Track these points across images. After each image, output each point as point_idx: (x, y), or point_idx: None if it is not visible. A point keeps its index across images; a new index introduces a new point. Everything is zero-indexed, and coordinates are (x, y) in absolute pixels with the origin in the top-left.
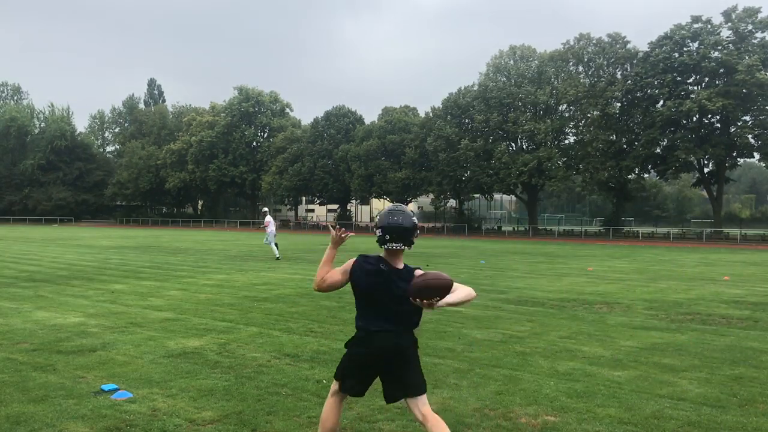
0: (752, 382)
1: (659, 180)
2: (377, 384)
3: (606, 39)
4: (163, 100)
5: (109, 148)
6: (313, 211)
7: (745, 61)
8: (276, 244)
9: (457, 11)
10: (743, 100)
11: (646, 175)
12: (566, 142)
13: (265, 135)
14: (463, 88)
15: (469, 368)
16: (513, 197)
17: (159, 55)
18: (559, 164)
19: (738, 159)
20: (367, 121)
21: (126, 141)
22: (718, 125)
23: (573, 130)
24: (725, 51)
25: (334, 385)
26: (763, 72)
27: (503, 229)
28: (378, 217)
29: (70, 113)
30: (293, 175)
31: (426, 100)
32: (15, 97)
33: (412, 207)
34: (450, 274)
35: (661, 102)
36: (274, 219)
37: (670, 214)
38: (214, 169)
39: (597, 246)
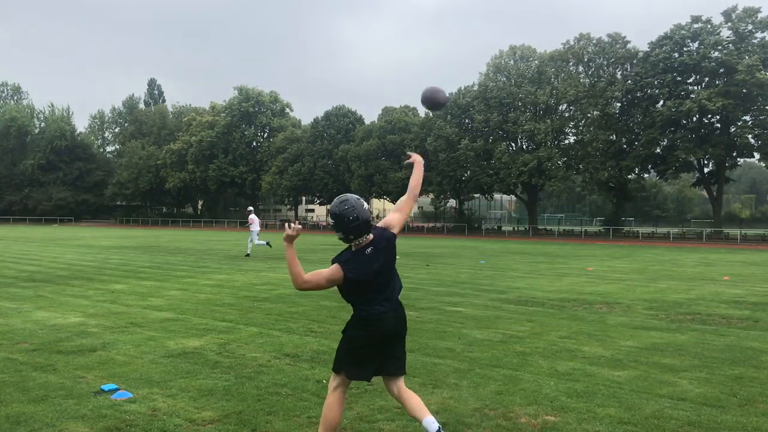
0: (752, 382)
1: (659, 180)
2: (377, 384)
3: (606, 39)
4: (163, 100)
5: (109, 148)
6: (313, 211)
7: (745, 61)
8: (262, 244)
9: (456, 11)
10: (743, 100)
11: (646, 175)
12: (566, 142)
13: (265, 135)
14: (463, 88)
15: (469, 368)
16: (513, 197)
17: (159, 55)
18: (559, 164)
19: (738, 159)
20: (367, 121)
21: (126, 141)
22: (718, 125)
23: (573, 130)
24: (725, 51)
25: (336, 380)
26: (763, 72)
27: (503, 229)
28: (331, 219)
29: (70, 113)
30: (293, 175)
31: None
32: (15, 97)
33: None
34: (450, 273)
35: (661, 102)
36: (261, 218)
37: (670, 214)
38: (214, 169)
39: (597, 246)
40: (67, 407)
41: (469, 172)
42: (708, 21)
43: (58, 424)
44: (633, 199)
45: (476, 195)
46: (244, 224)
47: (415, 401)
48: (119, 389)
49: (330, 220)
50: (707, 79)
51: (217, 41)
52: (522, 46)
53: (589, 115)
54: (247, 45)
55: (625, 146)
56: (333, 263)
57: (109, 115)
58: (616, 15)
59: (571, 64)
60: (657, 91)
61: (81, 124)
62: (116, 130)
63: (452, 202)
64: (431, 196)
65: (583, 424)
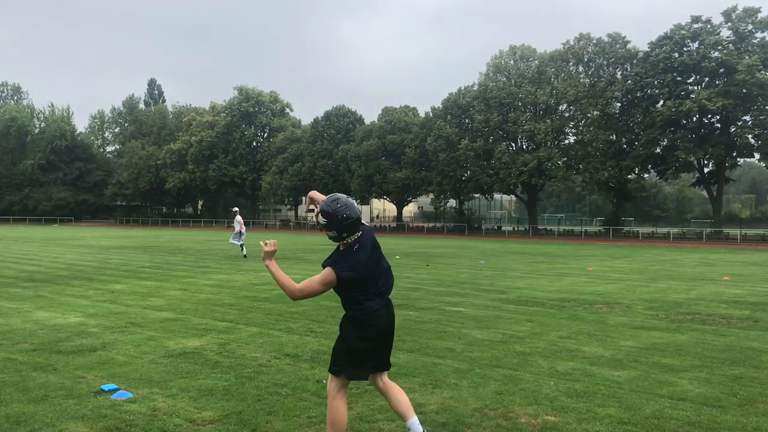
0: (752, 382)
1: (659, 180)
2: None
3: (606, 39)
4: (163, 100)
5: (109, 148)
6: (313, 211)
7: (745, 61)
8: (236, 244)
9: (456, 11)
10: (743, 100)
11: (646, 175)
12: (566, 142)
13: (265, 135)
14: (463, 88)
15: (469, 368)
16: (513, 197)
17: (159, 55)
18: (559, 164)
19: (738, 159)
20: (367, 121)
21: (126, 141)
22: (718, 125)
23: (573, 130)
24: (725, 51)
25: (336, 382)
26: (763, 72)
27: (503, 229)
28: (323, 218)
29: (70, 113)
30: (293, 175)
31: (426, 100)
32: (15, 97)
33: (411, 207)
34: (450, 273)
35: (661, 102)
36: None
37: (670, 214)
38: (214, 169)
39: (597, 246)
40: (67, 407)
41: (469, 172)
42: (708, 21)
43: (58, 424)
44: (633, 199)
45: (476, 195)
46: (244, 224)
47: (402, 398)
48: (119, 389)
49: (321, 220)
50: (707, 79)
51: (217, 41)
52: (522, 46)
53: (589, 115)
54: (247, 45)
55: (625, 146)
56: (324, 267)
57: (109, 115)
58: (616, 15)
59: (571, 64)
60: (657, 91)
61: (81, 124)
62: (116, 130)
63: (452, 202)
64: (431, 196)
65: (583, 424)
